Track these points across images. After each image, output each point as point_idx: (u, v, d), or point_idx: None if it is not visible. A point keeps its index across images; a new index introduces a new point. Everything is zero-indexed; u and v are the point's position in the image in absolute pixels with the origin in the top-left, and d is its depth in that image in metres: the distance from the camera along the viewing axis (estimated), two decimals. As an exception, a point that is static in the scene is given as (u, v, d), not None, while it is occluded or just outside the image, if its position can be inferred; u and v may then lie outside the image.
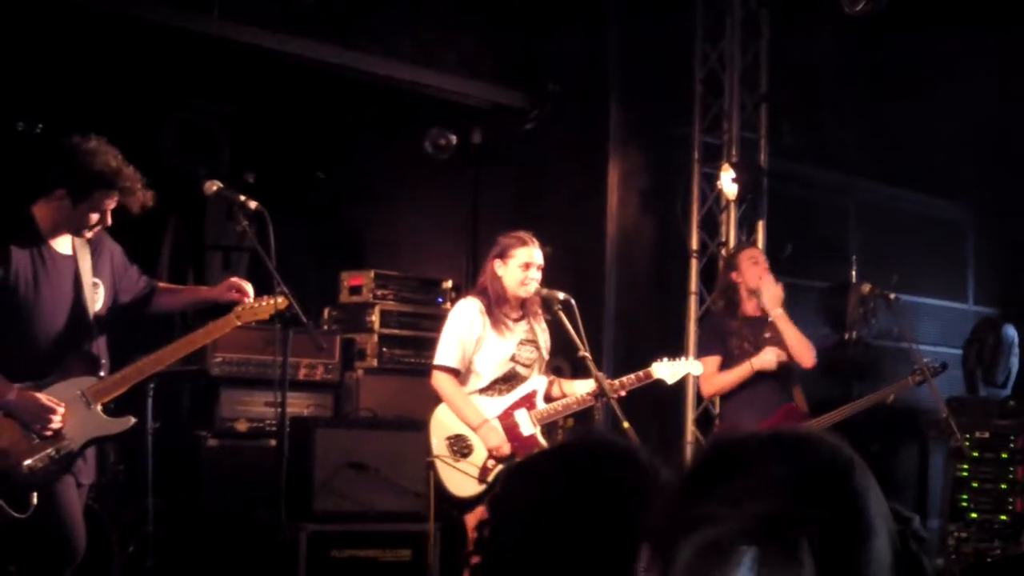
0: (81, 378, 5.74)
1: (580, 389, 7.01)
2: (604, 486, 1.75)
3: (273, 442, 8.13)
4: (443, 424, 6.94)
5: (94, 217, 5.72)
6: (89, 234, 5.82)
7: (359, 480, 7.97)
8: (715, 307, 8.34)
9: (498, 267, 6.94)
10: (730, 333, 7.93)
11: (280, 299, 6.05)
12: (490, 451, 6.82)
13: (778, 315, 7.78)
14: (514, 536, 1.75)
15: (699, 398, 9.67)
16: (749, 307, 8.00)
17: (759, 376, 7.79)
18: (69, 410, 5.65)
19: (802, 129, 10.45)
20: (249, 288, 6.08)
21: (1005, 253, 12.83)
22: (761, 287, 7.84)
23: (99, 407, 5.75)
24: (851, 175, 11.66)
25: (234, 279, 6.20)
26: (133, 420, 5.93)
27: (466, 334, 6.90)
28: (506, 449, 6.82)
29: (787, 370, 7.89)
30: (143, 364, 5.92)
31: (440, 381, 6.92)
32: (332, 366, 8.86)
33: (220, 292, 6.18)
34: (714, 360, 7.98)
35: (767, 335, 7.85)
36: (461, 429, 6.89)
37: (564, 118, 10.03)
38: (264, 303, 6.04)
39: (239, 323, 6.04)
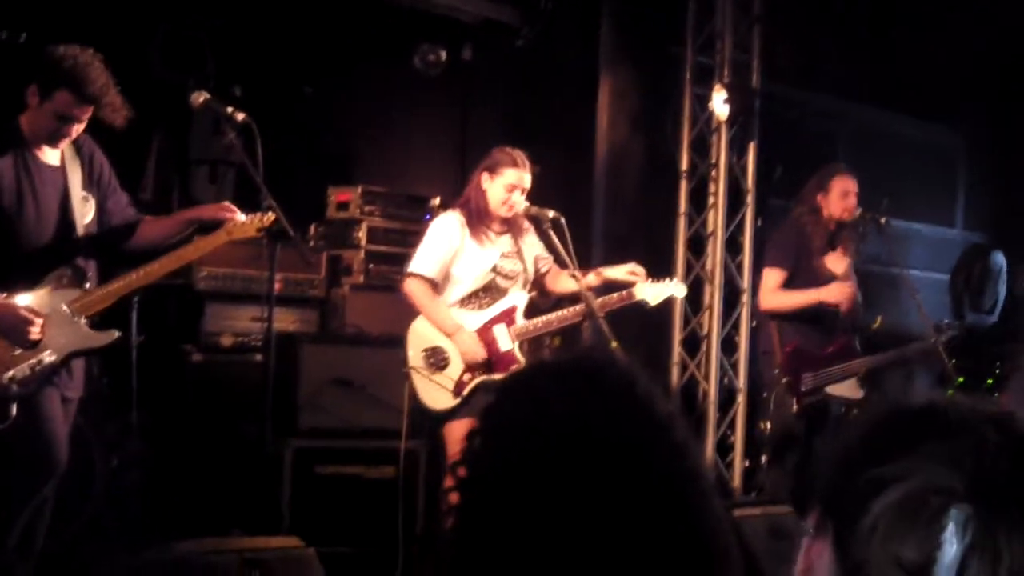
0: (67, 290, 5.70)
1: (615, 274, 6.98)
2: (601, 409, 1.71)
3: (259, 357, 8.11)
4: (420, 335, 6.92)
5: (62, 123, 5.64)
6: (62, 144, 5.74)
7: (344, 396, 7.95)
8: (799, 222, 8.21)
9: (484, 180, 6.90)
10: (810, 252, 7.91)
11: (269, 215, 6.00)
12: (464, 356, 6.79)
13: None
14: (504, 451, 1.71)
15: (686, 320, 9.68)
16: (829, 232, 7.98)
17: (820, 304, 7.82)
18: (53, 322, 5.62)
19: (796, 51, 10.38)
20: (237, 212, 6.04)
21: (995, 179, 12.83)
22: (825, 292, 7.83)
23: (83, 320, 5.71)
24: (843, 98, 11.61)
25: (224, 203, 6.13)
26: (117, 334, 5.90)
27: (443, 245, 6.86)
28: (481, 355, 6.80)
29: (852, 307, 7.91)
30: (130, 279, 5.87)
31: (412, 287, 6.88)
32: (318, 281, 8.81)
33: (210, 212, 6.12)
34: (779, 274, 7.97)
35: (840, 271, 7.87)
36: (438, 341, 6.87)
37: (556, 36, 9.94)
38: (254, 220, 5.99)
39: (229, 239, 5.99)
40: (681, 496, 1.68)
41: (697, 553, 1.67)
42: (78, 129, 5.71)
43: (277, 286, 8.50)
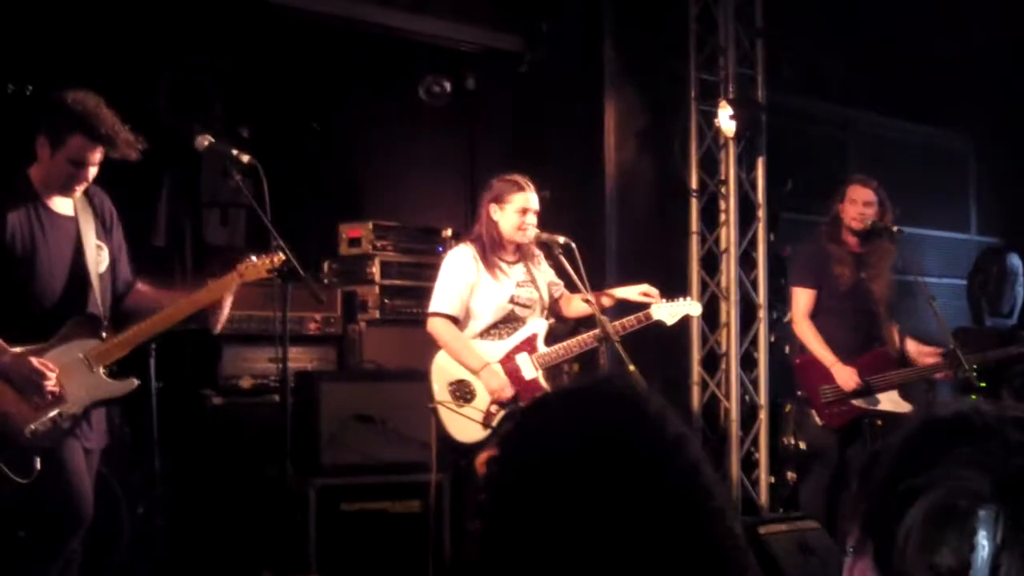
0: (83, 340, 5.70)
1: (627, 295, 6.99)
2: (612, 434, 1.73)
3: (278, 397, 8.12)
4: (444, 370, 6.92)
5: (77, 168, 5.62)
6: (78, 190, 5.73)
7: (366, 432, 7.95)
8: (818, 234, 8.26)
9: (494, 211, 6.91)
10: (834, 260, 7.93)
11: (279, 255, 6.00)
12: (492, 394, 6.80)
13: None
14: (522, 478, 1.73)
15: (704, 339, 9.65)
16: (850, 242, 8.00)
17: (846, 316, 7.83)
18: (71, 373, 5.62)
19: (800, 62, 10.38)
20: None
21: (1007, 182, 12.82)
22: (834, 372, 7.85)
23: (102, 369, 5.71)
24: (850, 107, 11.61)
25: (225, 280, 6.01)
26: (136, 382, 5.90)
27: (460, 280, 6.87)
28: (508, 392, 6.80)
29: (886, 306, 7.91)
30: (146, 326, 5.87)
31: (437, 326, 6.89)
32: (334, 319, 8.82)
33: (205, 299, 5.99)
34: (807, 293, 7.99)
35: (864, 274, 7.87)
36: (463, 374, 6.88)
37: (558, 59, 9.96)
38: (265, 261, 5.98)
39: (241, 281, 5.98)
40: (695, 516, 1.70)
41: (713, 572, 1.69)
42: (92, 173, 5.69)
43: (312, 327, 8.57)
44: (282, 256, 6.00)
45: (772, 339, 9.82)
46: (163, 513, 7.59)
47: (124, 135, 5.61)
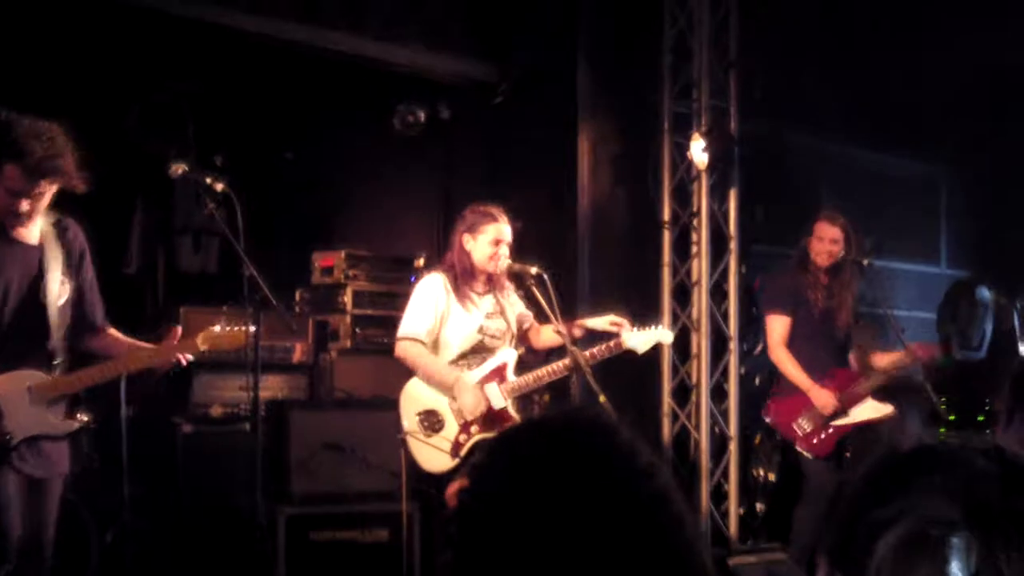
0: (31, 371, 5.58)
1: (597, 325, 7.00)
2: (582, 464, 1.74)
3: (248, 426, 8.10)
4: (414, 399, 6.90)
5: (14, 199, 5.35)
6: (27, 224, 5.52)
7: (336, 461, 7.94)
8: (790, 263, 8.36)
9: (467, 242, 6.90)
10: (807, 285, 7.99)
11: (247, 329, 5.91)
12: (467, 413, 6.78)
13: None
14: (492, 507, 1.74)
15: (675, 370, 9.67)
16: (818, 273, 8.05)
17: (818, 341, 7.88)
18: (11, 402, 5.51)
19: (773, 88, 10.42)
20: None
21: (978, 215, 12.86)
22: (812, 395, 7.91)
23: (45, 403, 5.60)
24: (823, 139, 11.65)
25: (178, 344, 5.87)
26: (82, 421, 5.77)
27: (430, 307, 6.86)
28: (481, 408, 6.79)
29: (846, 335, 7.96)
30: (95, 371, 5.72)
31: (406, 349, 6.86)
32: (305, 348, 8.81)
33: (159, 357, 5.85)
34: (784, 320, 8.05)
35: (831, 303, 7.92)
36: (432, 404, 6.86)
37: (533, 89, 9.98)
38: (231, 333, 5.90)
39: (201, 347, 5.86)
40: (666, 546, 1.71)
41: None
42: (42, 203, 5.44)
43: (297, 355, 8.55)
44: (251, 330, 5.93)
45: (743, 371, 9.84)
46: (132, 540, 7.56)
47: (64, 166, 5.34)
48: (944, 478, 1.49)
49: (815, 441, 7.93)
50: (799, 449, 8.02)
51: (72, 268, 5.74)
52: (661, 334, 7.07)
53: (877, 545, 1.47)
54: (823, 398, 7.88)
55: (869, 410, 7.92)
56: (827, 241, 8.03)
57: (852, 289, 8.09)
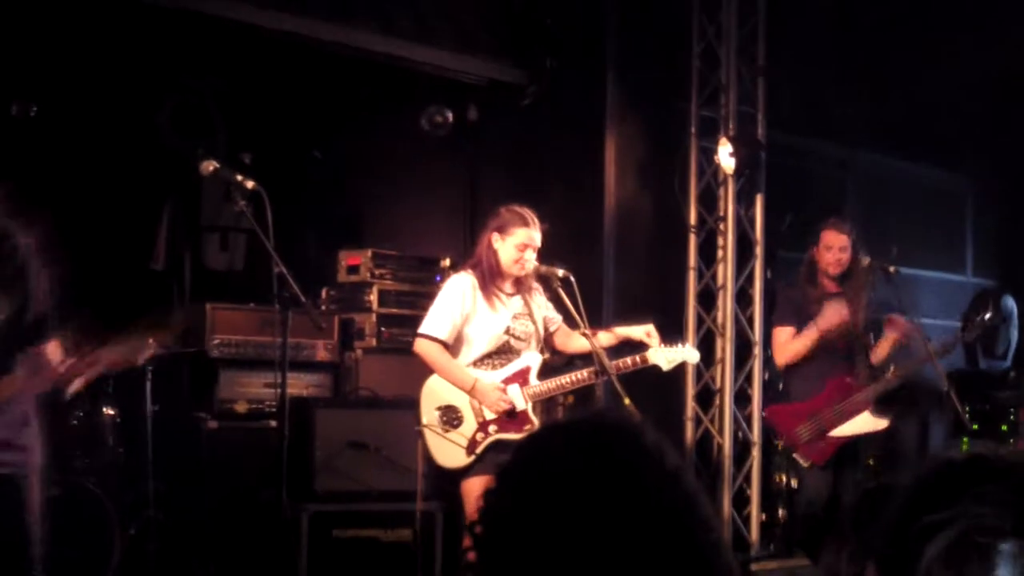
0: None
1: (630, 333, 7.02)
2: (609, 466, 1.75)
3: (273, 423, 8.13)
4: (435, 393, 6.92)
5: None
6: None
7: (360, 460, 7.97)
8: (798, 276, 8.35)
9: (495, 240, 6.91)
10: (810, 302, 8.00)
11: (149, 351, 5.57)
12: (490, 407, 6.79)
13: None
14: (519, 509, 1.75)
15: (699, 375, 9.67)
16: (825, 283, 8.04)
17: (823, 351, 7.86)
18: None
19: (801, 100, 10.42)
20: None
21: (1004, 224, 12.83)
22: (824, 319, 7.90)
23: None
24: (849, 146, 11.64)
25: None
26: None
27: (455, 308, 6.86)
28: (504, 402, 6.80)
29: (850, 344, 7.95)
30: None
31: (425, 347, 6.88)
32: (331, 346, 8.84)
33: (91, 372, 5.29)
34: (788, 331, 8.09)
35: (845, 309, 7.92)
36: (452, 400, 6.87)
37: (561, 93, 9.99)
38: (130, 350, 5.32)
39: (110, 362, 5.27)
40: (693, 548, 1.71)
41: None
42: None
43: (322, 353, 8.56)
44: (151, 352, 5.63)
45: (766, 376, 9.84)
46: (155, 535, 7.61)
47: None
48: (995, 487, 1.51)
49: (815, 449, 7.93)
50: (796, 456, 8.05)
51: (9, 277, 5.13)
52: (687, 352, 7.08)
53: (926, 550, 1.48)
54: (827, 318, 7.87)
55: (866, 423, 7.91)
56: (836, 250, 8.02)
57: (863, 296, 8.08)
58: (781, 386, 8.97)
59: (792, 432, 7.97)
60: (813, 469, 8.00)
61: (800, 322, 8.04)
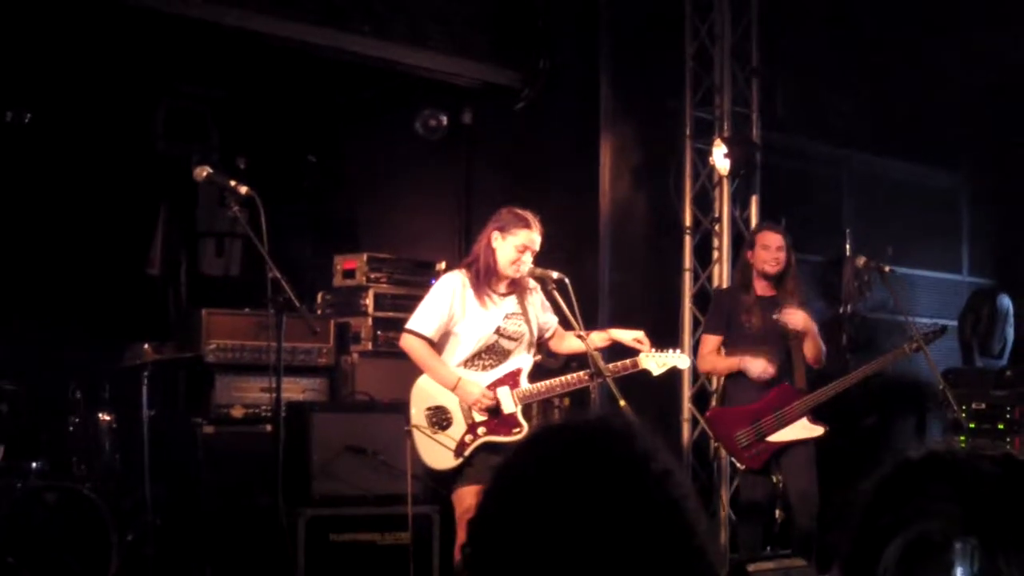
0: None
1: (620, 337, 7.04)
2: (599, 468, 1.76)
3: (269, 427, 8.12)
4: (424, 393, 6.94)
5: None
6: None
7: (356, 464, 7.97)
8: (732, 282, 8.39)
9: (495, 239, 6.90)
10: (741, 309, 8.00)
11: None
12: (473, 405, 6.79)
13: (810, 333, 7.88)
14: (514, 510, 1.77)
15: (695, 376, 9.67)
16: (760, 286, 8.04)
17: (767, 356, 7.86)
18: None
19: (795, 100, 10.42)
20: None
21: (999, 223, 12.82)
22: (785, 318, 7.88)
23: None
24: (844, 147, 11.64)
25: None
26: None
27: (443, 307, 6.86)
28: (488, 398, 6.80)
29: (789, 352, 7.96)
30: None
31: (411, 343, 6.89)
32: (327, 350, 8.85)
33: None
34: (715, 340, 8.10)
35: (776, 315, 7.91)
36: (442, 401, 6.88)
37: (555, 95, 10.00)
38: None
39: None
40: (675, 554, 1.73)
41: None
42: None
43: (318, 358, 8.56)
44: None
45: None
46: (153, 540, 7.60)
47: None
48: (950, 484, 1.51)
49: (751, 454, 7.95)
50: (735, 461, 8.10)
51: None
52: (678, 359, 7.12)
53: (885, 552, 1.49)
54: (758, 366, 7.89)
55: (803, 429, 7.92)
56: (773, 249, 8.03)
57: (798, 296, 8.08)
58: (715, 386, 9.01)
59: (731, 437, 8.00)
60: (749, 475, 8.06)
61: (730, 331, 8.07)
